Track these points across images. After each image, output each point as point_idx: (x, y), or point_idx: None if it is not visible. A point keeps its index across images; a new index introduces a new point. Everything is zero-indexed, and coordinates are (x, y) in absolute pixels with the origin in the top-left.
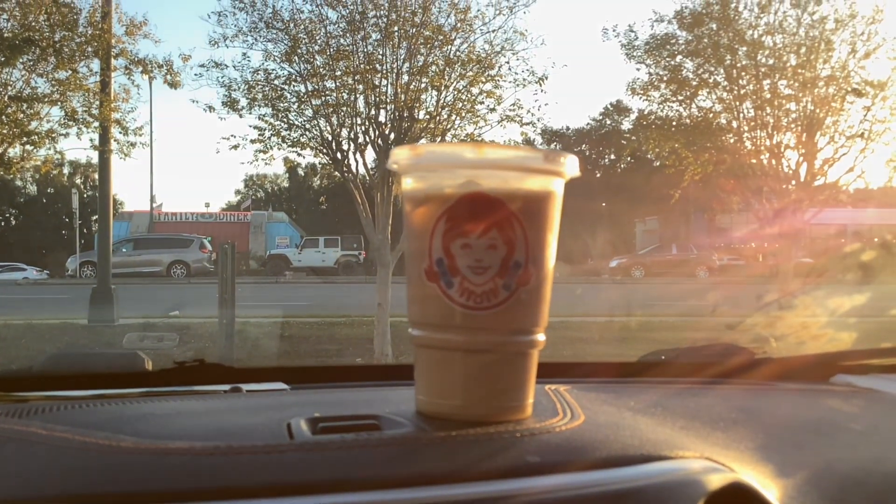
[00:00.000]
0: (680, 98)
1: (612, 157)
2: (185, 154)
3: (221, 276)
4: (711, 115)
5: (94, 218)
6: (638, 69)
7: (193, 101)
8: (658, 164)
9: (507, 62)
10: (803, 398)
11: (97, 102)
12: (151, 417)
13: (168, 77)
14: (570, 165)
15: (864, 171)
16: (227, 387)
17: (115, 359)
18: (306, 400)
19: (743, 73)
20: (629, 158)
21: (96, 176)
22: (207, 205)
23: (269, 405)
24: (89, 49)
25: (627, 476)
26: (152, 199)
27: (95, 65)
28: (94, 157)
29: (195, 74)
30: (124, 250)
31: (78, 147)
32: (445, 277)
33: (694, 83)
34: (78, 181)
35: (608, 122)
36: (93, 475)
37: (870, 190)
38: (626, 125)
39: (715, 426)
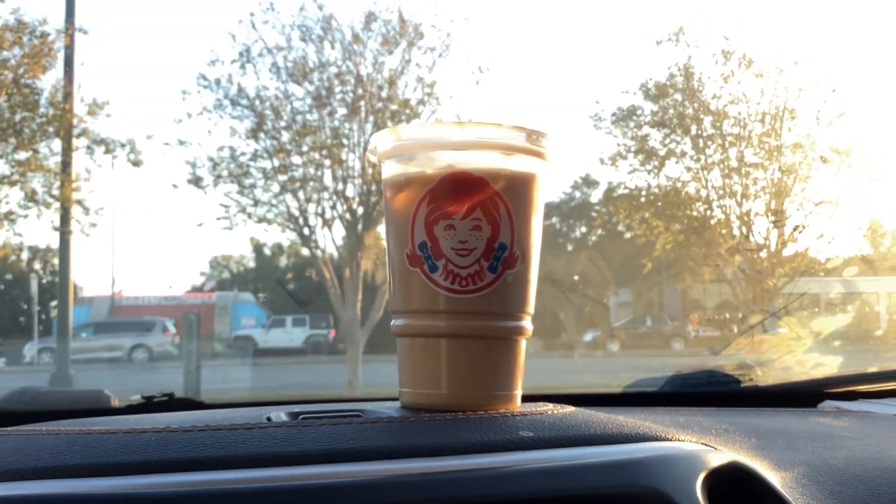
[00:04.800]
0: (648, 168)
1: (584, 229)
2: (148, 235)
3: (186, 349)
4: (680, 185)
5: (53, 303)
6: (606, 136)
7: (156, 180)
8: (629, 235)
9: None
10: (794, 417)
11: (58, 183)
12: (120, 420)
13: (131, 156)
14: (553, 147)
15: (834, 238)
16: (183, 412)
17: (79, 395)
18: (285, 407)
19: (709, 143)
20: (600, 230)
21: (55, 261)
22: (171, 287)
23: (249, 410)
24: (50, 129)
25: (624, 451)
26: (113, 283)
27: (56, 145)
28: (53, 241)
29: (159, 153)
30: (84, 335)
31: (37, 228)
32: (429, 261)
33: (661, 153)
34: (37, 266)
35: (578, 194)
36: (63, 451)
37: (841, 259)
38: (596, 197)
39: (707, 433)
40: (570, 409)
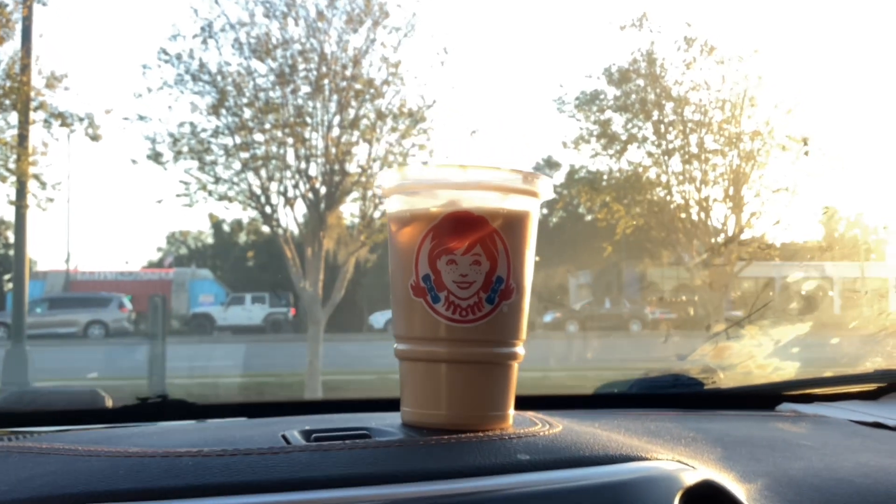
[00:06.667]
0: (610, 152)
1: (545, 210)
2: (104, 210)
3: (151, 331)
4: (641, 169)
5: (7, 277)
6: (569, 119)
7: (115, 155)
8: (590, 217)
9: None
10: (754, 422)
11: (14, 156)
12: (146, 435)
13: (89, 130)
14: (546, 187)
15: (791, 224)
16: (191, 422)
17: (75, 395)
18: (288, 421)
19: (670, 128)
20: (561, 212)
21: (10, 234)
22: (127, 262)
23: (259, 424)
24: (7, 102)
25: (611, 472)
26: (68, 257)
27: (13, 118)
28: (8, 215)
29: (119, 128)
30: (38, 310)
31: None
32: (432, 292)
33: (623, 138)
34: None
35: None
36: (109, 475)
37: (797, 244)
38: (558, 180)
39: (677, 442)
40: (557, 427)
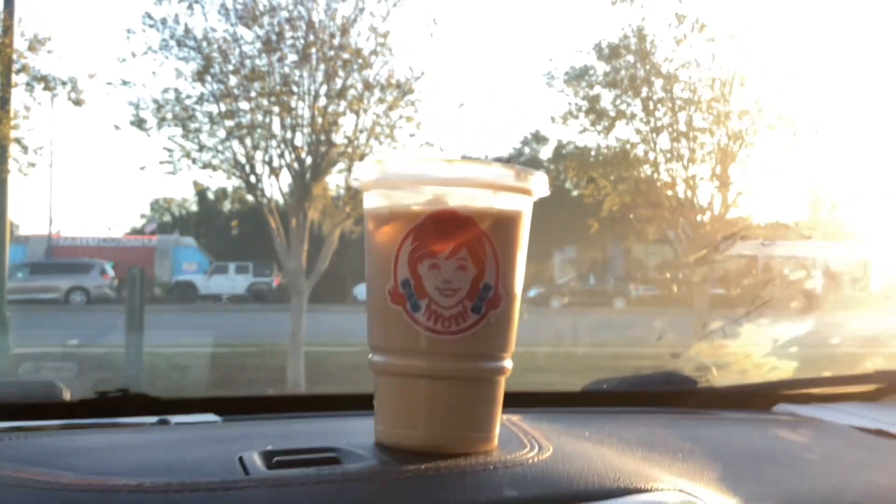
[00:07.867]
0: (598, 128)
1: None
2: (87, 175)
3: (130, 303)
4: (629, 146)
5: None
6: (557, 94)
7: (98, 121)
8: (576, 193)
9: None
10: (752, 427)
11: None
12: (86, 451)
13: (72, 95)
14: (541, 184)
15: (776, 203)
16: (153, 419)
17: (30, 388)
18: (252, 432)
19: (659, 105)
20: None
21: None
22: (110, 228)
23: (214, 437)
24: None
25: None
26: (51, 222)
27: None
28: None
29: (102, 93)
30: (20, 275)
31: None
32: (412, 300)
33: (612, 114)
34: None
35: (527, 150)
36: None
37: (781, 223)
38: (545, 154)
39: (674, 457)
40: (547, 451)
